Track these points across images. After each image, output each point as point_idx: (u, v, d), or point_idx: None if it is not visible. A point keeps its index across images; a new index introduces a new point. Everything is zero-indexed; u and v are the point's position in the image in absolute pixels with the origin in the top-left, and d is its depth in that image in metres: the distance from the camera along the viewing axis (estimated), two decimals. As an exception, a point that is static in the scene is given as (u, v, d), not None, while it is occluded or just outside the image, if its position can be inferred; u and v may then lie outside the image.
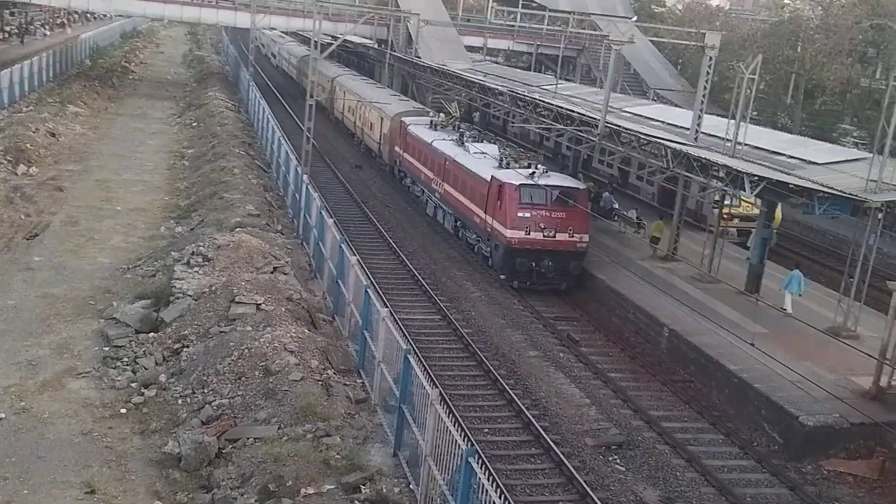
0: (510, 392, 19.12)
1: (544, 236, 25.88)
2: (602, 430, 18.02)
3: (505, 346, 22.14)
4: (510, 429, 17.78)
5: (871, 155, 22.26)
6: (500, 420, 18.09)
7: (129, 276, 21.99)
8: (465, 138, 33.36)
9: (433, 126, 36.62)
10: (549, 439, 17.07)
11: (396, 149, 39.59)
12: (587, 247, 26.56)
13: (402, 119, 39.31)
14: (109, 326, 18.28)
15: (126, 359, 17.02)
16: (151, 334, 17.95)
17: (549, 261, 25.94)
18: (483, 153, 30.55)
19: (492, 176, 27.26)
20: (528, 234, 25.78)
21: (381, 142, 42.92)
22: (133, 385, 16.05)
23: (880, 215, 22.49)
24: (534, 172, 27.12)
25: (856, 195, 20.27)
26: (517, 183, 26.16)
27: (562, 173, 31.28)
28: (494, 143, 33.91)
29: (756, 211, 28.39)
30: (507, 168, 28.09)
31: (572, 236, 26.04)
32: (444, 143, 33.06)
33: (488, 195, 27.25)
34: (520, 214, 25.82)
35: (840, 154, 26.51)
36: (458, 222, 30.97)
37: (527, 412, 18.19)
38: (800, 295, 24.60)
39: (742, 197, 25.86)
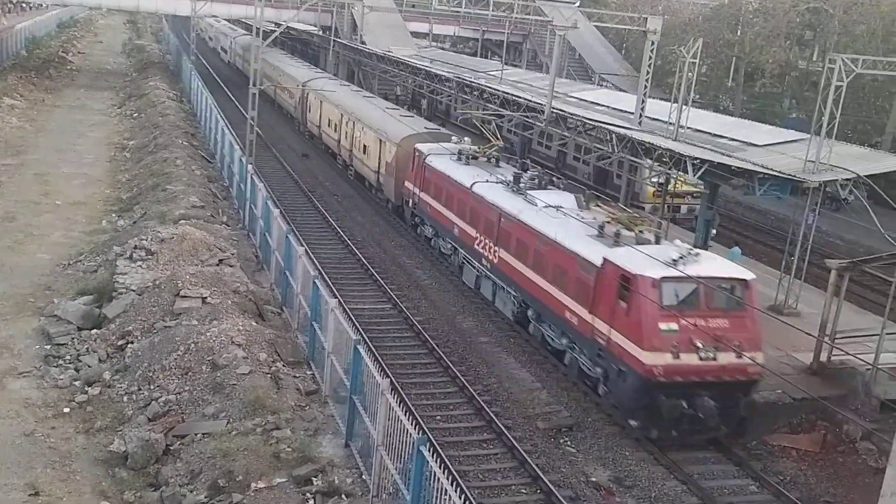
0: (462, 379, 19.18)
1: (701, 359, 16.45)
2: (553, 413, 18.18)
3: (456, 333, 22.19)
4: (462, 415, 17.84)
5: (809, 136, 22.77)
6: (452, 407, 18.14)
7: (70, 272, 21.48)
8: (522, 183, 23.46)
9: (463, 157, 26.75)
10: (500, 424, 17.18)
11: (409, 185, 29.58)
12: (761, 373, 17.29)
13: (417, 147, 28.92)
14: (50, 324, 17.84)
15: (68, 357, 16.65)
16: (94, 331, 17.58)
17: (710, 397, 16.55)
18: (558, 208, 21.03)
19: (605, 259, 17.67)
20: (678, 357, 16.34)
21: (381, 171, 33.30)
22: (76, 383, 15.71)
23: (818, 195, 23.05)
24: (679, 258, 17.05)
25: (794, 175, 20.74)
26: (657, 276, 16.53)
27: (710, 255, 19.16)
28: (563, 188, 24.82)
29: (686, 188, 29.66)
30: (621, 243, 18.12)
31: (741, 357, 16.49)
32: (491, 190, 23.42)
33: (599, 288, 17.75)
34: (663, 327, 16.35)
35: (779, 135, 27.06)
36: (528, 308, 21.52)
37: (478, 398, 18.28)
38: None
39: (679, 178, 26.67)
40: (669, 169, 23.62)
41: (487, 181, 24.28)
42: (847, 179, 21.38)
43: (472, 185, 24.42)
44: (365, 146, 35.42)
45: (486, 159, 27.09)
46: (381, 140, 33.32)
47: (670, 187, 29.68)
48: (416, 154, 28.93)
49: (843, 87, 22.29)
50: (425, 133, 32.01)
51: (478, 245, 23.92)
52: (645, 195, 33.51)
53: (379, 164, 33.70)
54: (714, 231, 26.84)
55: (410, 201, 29.67)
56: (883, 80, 41.86)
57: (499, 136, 28.59)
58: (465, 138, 29.91)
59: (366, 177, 36.04)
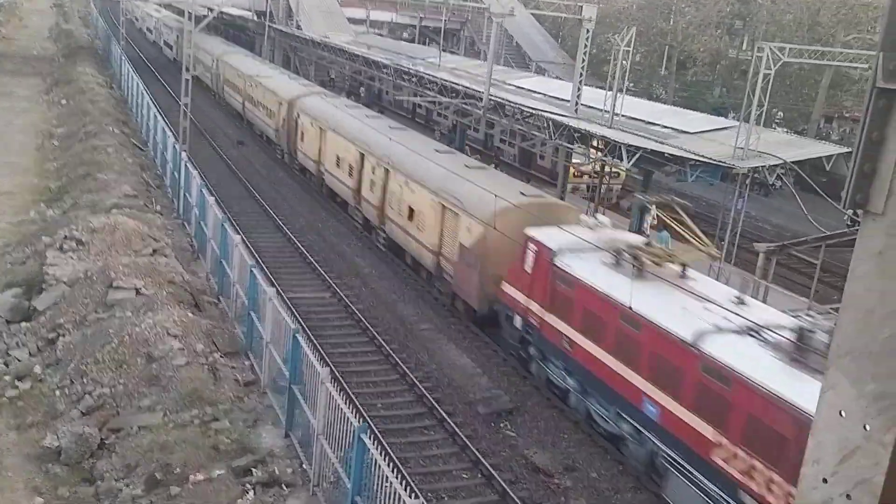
0: (403, 366, 19.24)
1: None
2: (493, 398, 18.38)
3: (396, 320, 22.22)
4: (403, 402, 17.91)
5: (737, 123, 23.40)
6: (394, 394, 18.18)
7: (-3, 265, 20.78)
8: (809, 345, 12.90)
9: (624, 263, 16.59)
10: (441, 410, 17.30)
11: (513, 292, 19.46)
12: None
13: (535, 237, 18.66)
14: (-24, 318, 17.25)
15: (-4, 351, 16.14)
16: (24, 324, 17.07)
17: None
18: None
19: None
20: None
21: (447, 255, 22.85)
22: (6, 378, 15.26)
23: (747, 181, 23.73)
24: None
25: (724, 162, 21.30)
26: None
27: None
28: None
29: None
30: None
31: None
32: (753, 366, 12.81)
33: None
34: None
35: (710, 123, 27.74)
36: None
37: (420, 385, 18.36)
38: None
39: (591, 157, 28.97)
40: (605, 156, 24.00)
41: (725, 331, 13.77)
42: (774, 165, 22.05)
43: (696, 340, 13.79)
44: (412, 210, 24.78)
45: (673, 268, 16.61)
46: (449, 209, 22.61)
47: (587, 168, 31.20)
48: (534, 248, 18.58)
49: (771, 74, 22.95)
50: (532, 203, 20.70)
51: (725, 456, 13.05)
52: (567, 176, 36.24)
53: (441, 242, 23.08)
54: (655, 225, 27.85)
55: (516, 317, 19.34)
56: (809, 68, 43.21)
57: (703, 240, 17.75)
58: (601, 216, 21.62)
59: (412, 253, 25.34)
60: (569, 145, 26.29)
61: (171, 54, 70.22)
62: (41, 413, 14.22)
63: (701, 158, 21.87)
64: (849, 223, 26.82)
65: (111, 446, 13.11)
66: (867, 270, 2.19)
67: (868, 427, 2.20)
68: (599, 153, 25.90)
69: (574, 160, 32.12)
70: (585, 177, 35.10)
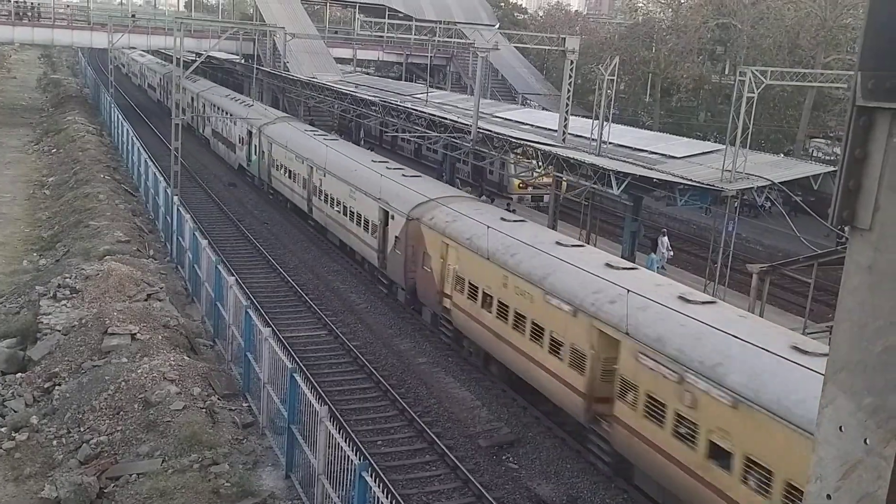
0: (401, 401, 19.15)
1: None
2: (494, 430, 18.29)
3: (393, 355, 22.15)
4: (403, 438, 17.80)
5: (724, 146, 23.60)
6: (393, 430, 18.08)
7: (-10, 316, 20.68)
8: None
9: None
10: (442, 445, 17.19)
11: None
12: None
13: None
14: (-29, 370, 17.13)
15: (-8, 403, 16.01)
16: (19, 374, 16.95)
17: None
18: None
19: None
20: None
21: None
22: (2, 430, 15.11)
23: (736, 203, 23.88)
24: None
25: (713, 185, 21.45)
26: None
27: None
28: None
29: (545, 180, 33.22)
30: None
31: None
32: None
33: None
34: None
35: (697, 147, 27.98)
36: None
37: (419, 420, 18.26)
38: (662, 268, 26.01)
39: (535, 171, 30.93)
40: (594, 183, 24.16)
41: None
42: (762, 187, 22.22)
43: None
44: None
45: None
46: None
47: (532, 179, 34.10)
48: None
49: (755, 98, 23.21)
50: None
51: None
52: (512, 187, 39.67)
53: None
54: (668, 250, 29.02)
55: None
56: (791, 90, 43.71)
57: None
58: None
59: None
60: (558, 174, 26.47)
61: (156, 96, 74.38)
62: (39, 464, 14.08)
63: (689, 182, 22.03)
64: (838, 240, 26.98)
65: (110, 495, 12.97)
66: (857, 285, 2.22)
67: (868, 441, 2.21)
68: (544, 167, 28.61)
69: (521, 174, 35.56)
70: (530, 188, 39.23)
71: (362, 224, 27.45)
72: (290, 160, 35.60)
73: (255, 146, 40.75)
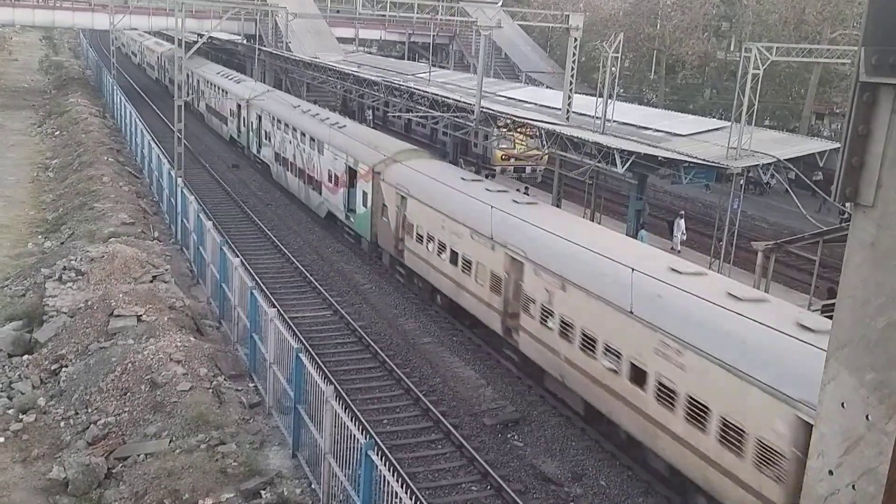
0: (407, 381, 19.22)
1: None
2: (499, 408, 18.36)
3: (398, 335, 22.21)
4: (409, 417, 17.89)
5: (730, 124, 23.46)
6: (399, 409, 18.16)
7: (-3, 298, 20.78)
8: None
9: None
10: (447, 423, 17.27)
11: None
12: None
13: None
14: (-22, 353, 17.23)
15: (0, 385, 16.12)
16: (26, 357, 17.06)
17: None
18: None
19: None
20: None
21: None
22: (10, 412, 15.22)
23: (742, 180, 23.78)
24: None
25: (718, 162, 21.35)
26: None
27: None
28: None
29: (530, 151, 34.58)
30: None
31: None
32: None
33: None
34: None
35: (702, 124, 27.82)
36: None
37: (424, 399, 18.34)
38: (678, 251, 26.21)
39: (517, 141, 32.08)
40: (598, 162, 24.07)
41: None
42: (768, 164, 22.11)
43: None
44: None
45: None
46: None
47: (515, 151, 34.24)
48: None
49: (760, 74, 23.05)
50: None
51: None
52: (494, 159, 40.67)
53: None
54: (682, 233, 29.56)
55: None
56: (797, 66, 43.40)
57: None
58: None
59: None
60: (562, 153, 26.36)
61: (154, 74, 77.88)
62: (46, 445, 14.18)
63: (694, 160, 21.93)
64: (841, 216, 26.89)
65: (118, 475, 13.07)
66: (861, 262, 2.22)
67: (870, 417, 2.22)
68: (527, 139, 30.42)
69: (502, 145, 36.36)
70: (512, 160, 40.33)
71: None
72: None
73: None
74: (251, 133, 42.77)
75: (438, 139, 46.08)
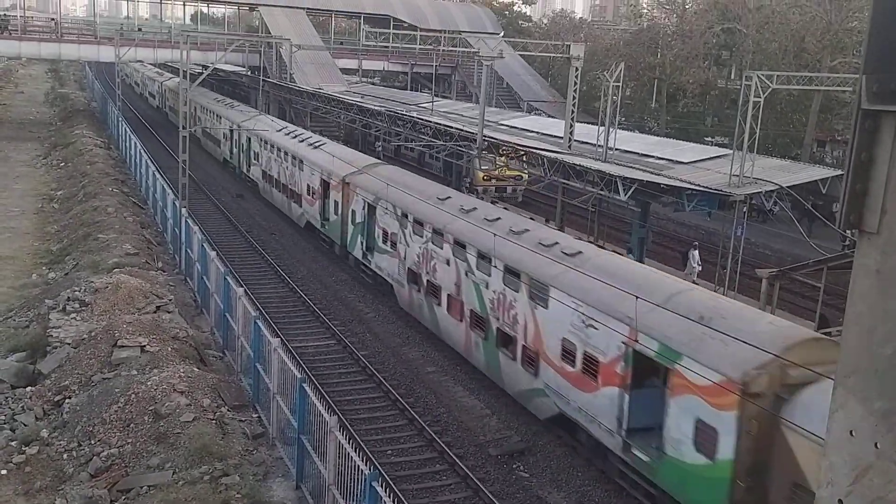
0: (411, 411, 19.11)
1: None
2: (504, 438, 18.23)
3: (402, 364, 22.13)
4: (413, 448, 17.76)
5: (731, 151, 23.55)
6: (403, 440, 18.04)
7: (1, 329, 20.77)
8: None
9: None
10: (452, 454, 17.14)
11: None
12: None
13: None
14: (-19, 384, 17.19)
15: (3, 417, 16.06)
16: (29, 388, 17.01)
17: None
18: None
19: None
20: None
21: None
22: (12, 444, 15.15)
23: (745, 207, 23.83)
24: None
25: (720, 190, 21.39)
26: None
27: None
28: None
29: (508, 172, 35.43)
30: None
31: None
32: None
33: None
34: None
35: (704, 152, 27.92)
36: None
37: (428, 429, 18.22)
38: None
39: (498, 163, 33.02)
40: (601, 190, 24.13)
41: None
42: (770, 191, 22.15)
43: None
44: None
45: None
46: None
47: (497, 172, 35.26)
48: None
49: (761, 102, 23.17)
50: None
51: None
52: (476, 180, 41.57)
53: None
54: (698, 264, 28.67)
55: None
56: (798, 94, 43.63)
57: None
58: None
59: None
60: (564, 181, 26.47)
61: (155, 102, 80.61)
62: (49, 477, 14.10)
63: (697, 187, 21.99)
64: (843, 243, 26.86)
65: (121, 507, 12.98)
66: (866, 289, 2.21)
67: (879, 445, 2.20)
68: (506, 159, 31.41)
69: (483, 167, 37.53)
70: (493, 180, 41.41)
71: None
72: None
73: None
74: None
75: (412, 157, 48.90)
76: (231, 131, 47.71)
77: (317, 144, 35.83)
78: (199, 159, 49.96)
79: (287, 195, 37.19)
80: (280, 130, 41.44)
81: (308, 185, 34.14)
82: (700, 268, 29.34)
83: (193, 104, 57.25)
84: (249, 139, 44.00)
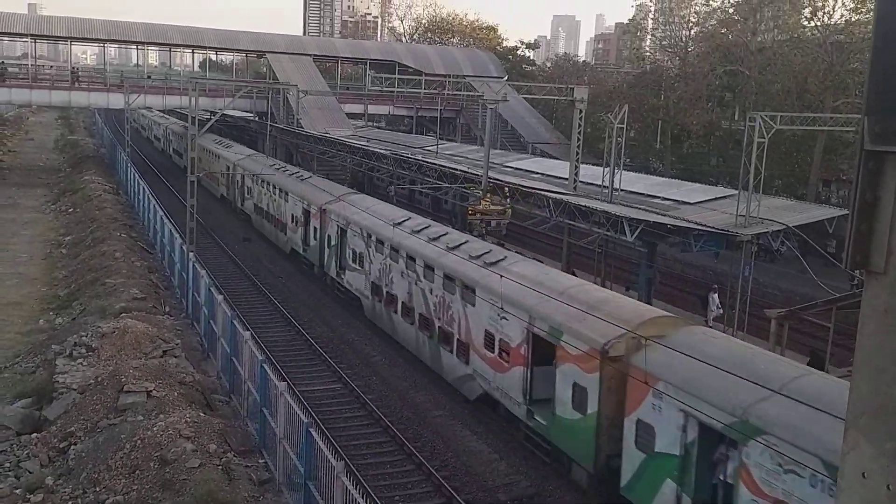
0: (419, 455, 18.92)
1: None
2: (513, 483, 18.01)
3: (409, 408, 21.96)
4: (422, 493, 17.54)
5: (737, 191, 23.61)
6: (411, 485, 17.83)
7: (7, 376, 20.73)
8: None
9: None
10: (461, 500, 16.92)
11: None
12: None
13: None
14: (-13, 431, 17.11)
15: (7, 464, 15.94)
16: (34, 435, 16.90)
17: None
18: None
19: None
20: None
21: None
22: (17, 492, 15.01)
23: (753, 248, 23.81)
24: None
25: (727, 230, 21.40)
26: None
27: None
28: None
29: (493, 207, 35.24)
30: None
31: None
32: None
33: None
34: None
35: (710, 193, 27.99)
36: None
37: (436, 474, 18.02)
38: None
39: (482, 198, 33.08)
40: (607, 231, 24.16)
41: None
42: (777, 231, 22.14)
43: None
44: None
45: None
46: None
47: (481, 207, 35.82)
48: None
49: (765, 142, 23.29)
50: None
51: None
52: (462, 214, 43.17)
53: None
54: (718, 308, 28.09)
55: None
56: (801, 134, 43.83)
57: None
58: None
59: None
60: (570, 222, 26.53)
61: (160, 146, 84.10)
62: (54, 525, 13.96)
63: (703, 228, 22.01)
64: (851, 282, 26.74)
65: (126, 556, 12.81)
66: (875, 329, 2.20)
67: (891, 487, 2.17)
68: (492, 196, 31.86)
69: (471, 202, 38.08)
70: (478, 214, 42.67)
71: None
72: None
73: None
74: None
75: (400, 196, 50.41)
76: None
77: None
78: (203, 200, 50.30)
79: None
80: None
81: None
82: (721, 311, 28.38)
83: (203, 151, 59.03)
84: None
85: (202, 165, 53.45)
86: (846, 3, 49.28)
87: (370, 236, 28.14)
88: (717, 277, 37.57)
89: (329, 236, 32.40)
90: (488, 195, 32.57)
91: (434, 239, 24.91)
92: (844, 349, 24.41)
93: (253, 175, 46.11)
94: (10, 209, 46.27)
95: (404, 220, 27.65)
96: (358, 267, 29.35)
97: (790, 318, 21.75)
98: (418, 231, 26.06)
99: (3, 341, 23.79)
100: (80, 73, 61.81)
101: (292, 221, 37.95)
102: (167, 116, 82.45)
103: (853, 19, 48.41)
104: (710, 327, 24.49)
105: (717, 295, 28.70)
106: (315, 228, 34.30)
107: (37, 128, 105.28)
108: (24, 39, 62.56)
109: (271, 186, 42.11)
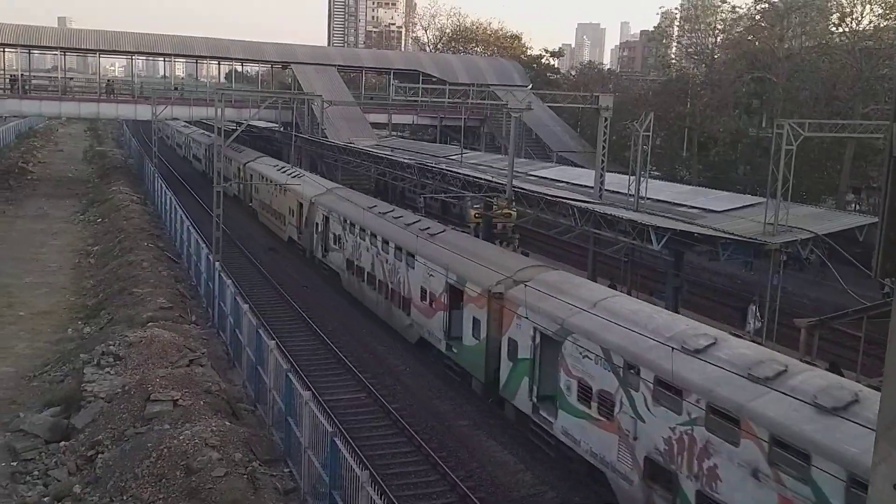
0: (443, 465, 18.86)
1: None
2: (539, 494, 17.88)
3: (434, 418, 21.91)
4: (447, 503, 17.47)
5: (765, 199, 23.35)
6: (436, 496, 17.76)
7: (36, 384, 20.99)
8: None
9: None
10: (485, 509, 16.83)
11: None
12: None
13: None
14: (16, 439, 17.31)
15: (36, 472, 16.12)
16: (63, 443, 17.08)
17: None
18: None
19: None
20: None
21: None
22: (45, 500, 15.17)
23: (783, 257, 23.51)
24: None
25: (756, 238, 21.17)
26: None
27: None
28: None
29: (500, 211, 35.12)
30: None
31: None
32: None
33: None
34: None
35: (737, 201, 27.70)
36: None
37: (461, 484, 17.94)
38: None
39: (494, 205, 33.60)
40: (633, 239, 24.00)
41: None
42: (806, 239, 21.87)
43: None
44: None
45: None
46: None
47: (482, 210, 36.59)
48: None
49: (794, 150, 23.03)
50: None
51: None
52: (469, 219, 42.87)
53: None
54: (758, 320, 27.18)
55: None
56: (830, 141, 43.33)
57: None
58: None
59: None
60: (595, 230, 26.38)
61: (181, 153, 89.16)
62: (81, 533, 14.05)
63: (731, 236, 21.79)
64: (882, 291, 26.31)
65: (151, 564, 12.86)
66: (907, 339, 2.14)
67: None
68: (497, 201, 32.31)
69: (476, 205, 38.84)
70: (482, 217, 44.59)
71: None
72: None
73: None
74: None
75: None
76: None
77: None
78: (233, 213, 50.70)
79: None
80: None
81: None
82: (760, 324, 26.86)
83: (210, 150, 63.22)
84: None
85: (258, 197, 53.24)
86: (874, 10, 48.74)
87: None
88: (747, 286, 37.18)
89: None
90: (496, 200, 33.10)
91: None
92: (876, 359, 24.01)
93: (259, 174, 48.88)
94: (40, 220, 46.94)
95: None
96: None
97: (820, 328, 21.43)
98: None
99: (33, 350, 24.10)
100: (114, 86, 62.71)
101: (290, 213, 40.54)
102: (189, 126, 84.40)
103: (882, 25, 47.86)
104: (751, 341, 24.00)
105: (756, 307, 27.87)
106: (306, 218, 39.16)
107: (66, 139, 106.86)
108: (54, 52, 63.62)
109: (274, 185, 44.40)
